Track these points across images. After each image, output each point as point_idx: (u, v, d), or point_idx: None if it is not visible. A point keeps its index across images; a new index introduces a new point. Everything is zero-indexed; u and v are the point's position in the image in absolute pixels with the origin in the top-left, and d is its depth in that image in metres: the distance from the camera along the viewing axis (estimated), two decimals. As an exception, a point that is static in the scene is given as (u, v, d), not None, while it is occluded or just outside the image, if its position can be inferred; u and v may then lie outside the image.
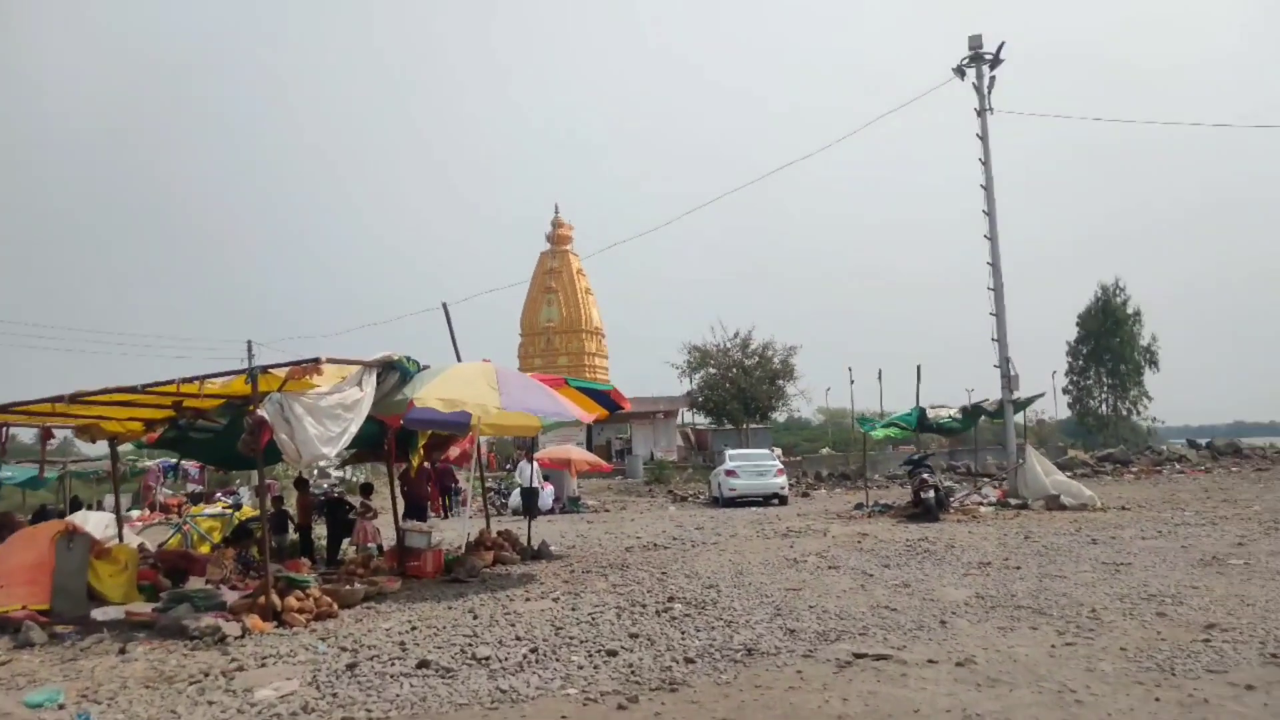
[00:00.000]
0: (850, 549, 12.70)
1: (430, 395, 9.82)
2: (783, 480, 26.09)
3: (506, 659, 6.84)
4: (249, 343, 40.12)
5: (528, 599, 9.47)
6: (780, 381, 45.61)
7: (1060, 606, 8.18)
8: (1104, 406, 56.45)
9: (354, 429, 9.28)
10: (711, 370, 45.33)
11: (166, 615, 8.39)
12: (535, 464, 19.48)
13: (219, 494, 33.50)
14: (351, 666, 6.75)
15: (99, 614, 9.18)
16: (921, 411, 20.26)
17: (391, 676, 6.47)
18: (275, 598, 8.52)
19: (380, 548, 12.83)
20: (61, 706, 6.16)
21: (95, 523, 12.78)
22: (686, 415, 53.67)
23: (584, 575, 11.06)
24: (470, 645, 7.30)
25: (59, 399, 8.99)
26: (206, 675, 6.76)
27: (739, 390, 43.71)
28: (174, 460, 35.66)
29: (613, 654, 6.84)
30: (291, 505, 14.88)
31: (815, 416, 67.99)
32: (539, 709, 5.59)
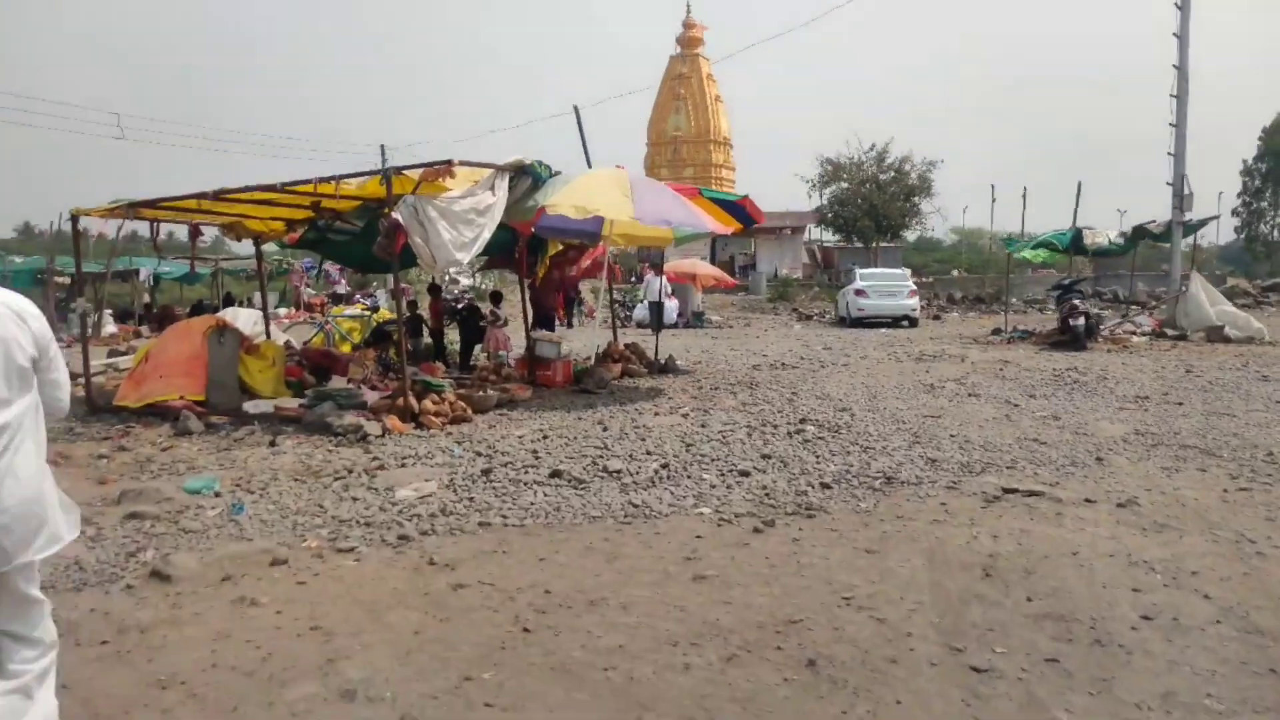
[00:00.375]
0: (991, 376, 12.11)
1: (563, 201, 9.49)
2: (914, 302, 25.28)
3: (638, 473, 6.79)
4: (381, 147, 40.48)
5: (656, 413, 9.41)
6: (916, 198, 43.50)
7: (1231, 448, 7.54)
8: (1277, 231, 51.86)
9: (486, 235, 9.10)
10: (843, 185, 43.48)
11: (312, 412, 8.71)
12: (663, 277, 19.19)
13: (357, 296, 34.90)
14: (486, 472, 6.84)
15: (250, 407, 9.65)
16: (1078, 232, 18.78)
17: (525, 484, 6.52)
18: (413, 400, 8.70)
19: (508, 356, 13.01)
20: (217, 494, 6.48)
21: (244, 319, 13.34)
22: (814, 232, 52.29)
23: (712, 392, 10.93)
24: (601, 457, 7.29)
25: (203, 195, 9.09)
26: (350, 472, 6.99)
27: (871, 207, 41.92)
28: (316, 261, 37.32)
29: (745, 474, 6.70)
30: (425, 310, 15.18)
31: (948, 236, 64.90)
32: (672, 526, 5.50)
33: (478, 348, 13.73)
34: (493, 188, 9.24)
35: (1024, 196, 32.36)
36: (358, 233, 11.85)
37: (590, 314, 28.72)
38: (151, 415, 9.31)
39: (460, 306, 15.12)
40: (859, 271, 26.85)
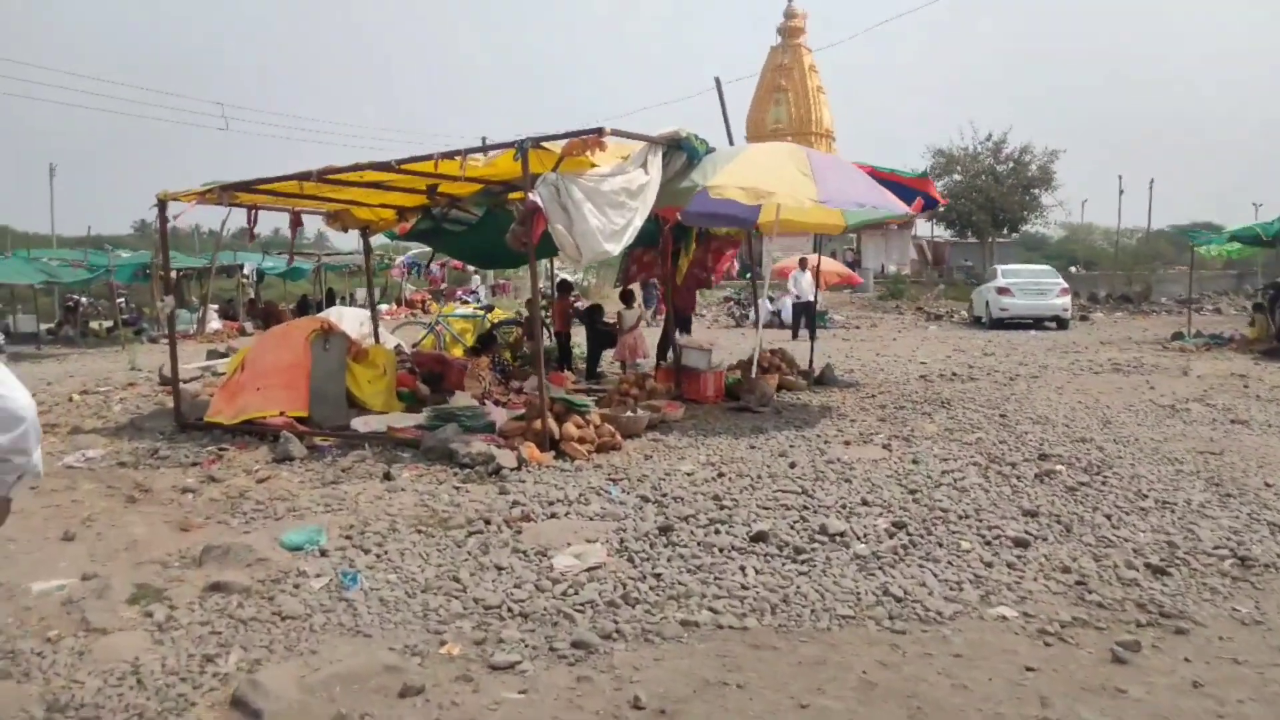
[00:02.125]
0: (1240, 395, 9.89)
1: (729, 182, 7.79)
2: (1066, 301, 22.90)
3: (867, 536, 5.04)
4: (483, 139, 39.38)
5: (847, 442, 7.62)
6: (1036, 190, 40.52)
7: None
8: None
9: (639, 221, 7.48)
10: (957, 178, 40.68)
11: (433, 436, 7.20)
12: (809, 274, 17.25)
13: (459, 293, 33.95)
14: (666, 530, 5.18)
15: (359, 424, 8.24)
16: (1289, 220, 16.13)
17: (722, 551, 4.84)
18: (553, 423, 7.12)
19: (645, 364, 11.38)
20: (324, 553, 5.00)
21: (350, 320, 12.06)
22: (922, 227, 49.50)
23: (898, 412, 9.06)
24: (808, 509, 5.56)
25: (305, 176, 7.69)
26: (487, 523, 5.42)
27: (987, 200, 39.09)
28: (417, 257, 36.57)
29: (1022, 546, 4.87)
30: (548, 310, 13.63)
31: (1054, 231, 60.25)
32: (971, 641, 3.73)
33: (606, 354, 12.14)
34: (645, 164, 7.60)
35: (1150, 187, 29.27)
36: (475, 223, 10.42)
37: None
38: (247, 433, 7.99)
39: (583, 307, 13.54)
40: (1001, 269, 24.47)
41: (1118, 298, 31.72)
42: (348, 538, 5.26)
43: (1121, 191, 57.65)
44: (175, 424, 8.35)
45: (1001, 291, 22.88)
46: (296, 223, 9.55)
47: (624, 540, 5.05)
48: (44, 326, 25.21)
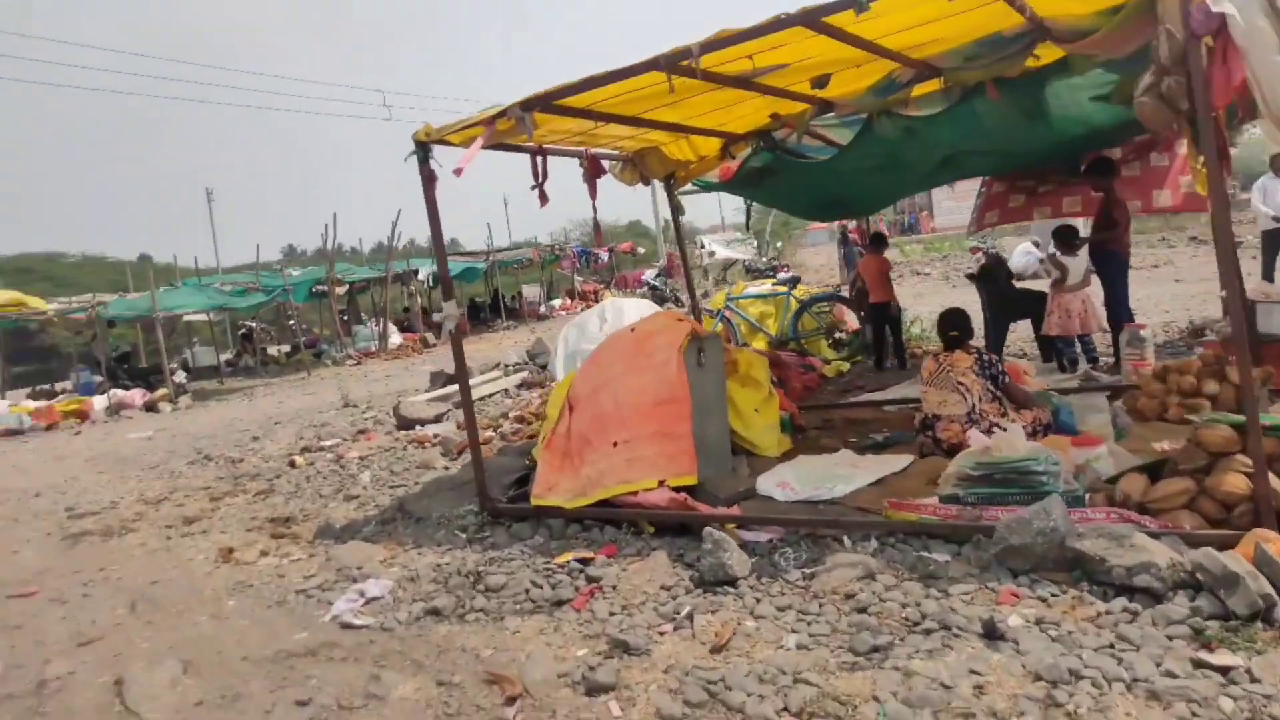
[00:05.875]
0: None
1: None
2: None
3: None
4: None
5: None
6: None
7: None
8: None
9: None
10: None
11: (1019, 521, 3.58)
12: None
13: (646, 275, 30.73)
14: None
15: (772, 488, 4.79)
16: None
17: None
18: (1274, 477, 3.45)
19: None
20: None
21: (632, 315, 8.77)
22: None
23: None
24: None
25: (674, 59, 4.06)
26: None
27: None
28: (586, 246, 33.65)
29: None
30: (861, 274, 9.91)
31: None
32: None
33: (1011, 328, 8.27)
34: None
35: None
36: (836, 153, 6.84)
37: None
38: (607, 522, 4.65)
39: (981, 265, 9.73)
40: None
41: None
42: None
43: None
44: (482, 511, 5.11)
45: None
46: (597, 170, 6.16)
47: None
48: (223, 357, 23.52)
